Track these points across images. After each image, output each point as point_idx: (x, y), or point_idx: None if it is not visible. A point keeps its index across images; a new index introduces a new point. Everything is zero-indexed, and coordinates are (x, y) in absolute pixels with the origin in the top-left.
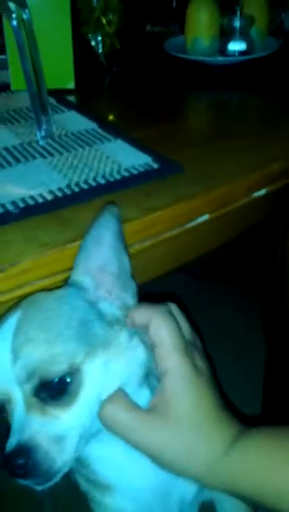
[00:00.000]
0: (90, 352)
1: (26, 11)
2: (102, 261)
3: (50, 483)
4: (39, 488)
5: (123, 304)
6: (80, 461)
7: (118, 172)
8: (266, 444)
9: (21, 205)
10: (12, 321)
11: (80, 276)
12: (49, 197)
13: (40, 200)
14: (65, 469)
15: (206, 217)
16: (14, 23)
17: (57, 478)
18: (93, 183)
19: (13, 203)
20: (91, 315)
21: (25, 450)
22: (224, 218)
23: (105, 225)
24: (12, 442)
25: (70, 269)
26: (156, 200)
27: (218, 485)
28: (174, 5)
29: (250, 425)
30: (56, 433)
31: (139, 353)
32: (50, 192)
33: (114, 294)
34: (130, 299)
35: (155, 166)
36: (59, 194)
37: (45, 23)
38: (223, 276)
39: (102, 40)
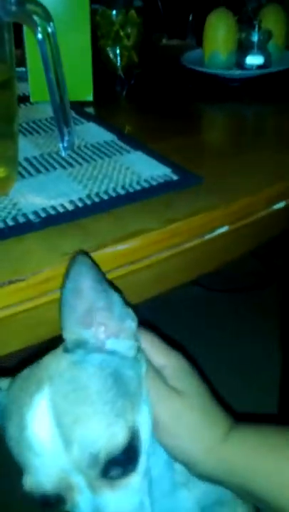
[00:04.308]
0: (134, 400)
1: (51, 24)
2: (87, 305)
3: None
4: None
5: (127, 332)
6: None
7: (138, 183)
8: (259, 434)
9: (43, 214)
10: (42, 401)
11: (72, 333)
12: (70, 207)
13: (61, 210)
14: None
15: (225, 228)
16: (39, 36)
17: None
18: (113, 194)
19: (35, 212)
20: (114, 361)
21: None
22: (243, 230)
23: (80, 274)
24: None
25: None
26: (176, 211)
27: (209, 470)
28: (190, 18)
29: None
30: (133, 502)
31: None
32: (71, 202)
33: (113, 327)
34: (131, 323)
35: (175, 177)
36: (80, 204)
37: (66, 36)
38: (238, 288)
39: (121, 53)
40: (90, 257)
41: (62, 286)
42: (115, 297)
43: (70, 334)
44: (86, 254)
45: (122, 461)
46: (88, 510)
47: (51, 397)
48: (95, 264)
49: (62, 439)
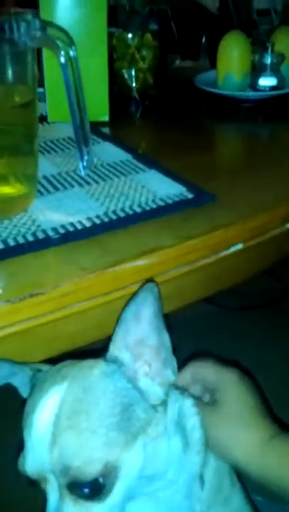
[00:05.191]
0: (129, 440)
1: (73, 48)
2: (141, 335)
3: None
4: None
5: (164, 380)
6: None
7: (153, 201)
8: None
9: (61, 231)
10: (56, 395)
11: (119, 350)
12: (88, 224)
13: (79, 227)
14: None
15: (240, 246)
16: (62, 60)
17: None
18: (130, 211)
19: (54, 229)
20: (134, 397)
21: None
22: (258, 248)
23: (145, 301)
24: None
25: (109, 293)
26: (192, 228)
27: (252, 471)
28: (203, 40)
29: None
30: None
31: (175, 440)
32: (89, 219)
33: (154, 369)
34: (171, 375)
35: (189, 195)
36: (97, 221)
37: (83, 59)
38: (250, 306)
39: (136, 75)
40: (158, 289)
41: (125, 306)
42: (166, 340)
43: (116, 350)
44: (156, 284)
45: (88, 486)
46: (51, 507)
47: (64, 395)
48: (160, 298)
49: (52, 437)
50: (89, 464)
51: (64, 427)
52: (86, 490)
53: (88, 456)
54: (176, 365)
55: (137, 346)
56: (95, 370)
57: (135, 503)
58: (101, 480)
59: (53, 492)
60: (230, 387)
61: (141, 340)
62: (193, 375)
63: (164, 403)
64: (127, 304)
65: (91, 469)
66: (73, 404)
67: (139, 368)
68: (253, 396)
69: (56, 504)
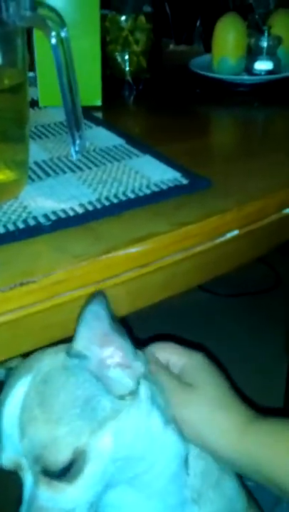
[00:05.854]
0: (95, 428)
1: (64, 29)
2: (106, 330)
3: None
4: None
5: (134, 372)
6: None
7: (147, 187)
8: (281, 423)
9: (53, 217)
10: (21, 388)
11: (83, 346)
12: (80, 210)
13: (72, 214)
14: None
15: (236, 232)
16: (53, 41)
17: None
18: (123, 198)
19: (45, 215)
20: (97, 389)
21: None
22: (254, 234)
23: (100, 306)
24: None
25: (102, 280)
26: (187, 214)
27: (229, 454)
28: (197, 24)
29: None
30: (64, 506)
31: (153, 419)
32: (81, 205)
33: (125, 362)
34: (141, 366)
35: (184, 181)
36: (89, 207)
37: (75, 41)
38: (243, 293)
39: (129, 59)
40: (106, 299)
41: (81, 312)
42: (128, 341)
43: (78, 346)
44: (103, 294)
45: (60, 471)
46: (27, 494)
47: (28, 388)
48: (110, 311)
49: (20, 429)
50: (57, 452)
51: (29, 418)
52: (57, 473)
53: (56, 444)
54: (145, 359)
55: (103, 339)
56: (56, 362)
57: (118, 493)
58: (72, 464)
59: (28, 478)
60: (200, 370)
61: (106, 334)
62: (153, 358)
63: (135, 392)
64: (82, 311)
65: (60, 457)
66: (36, 397)
67: (108, 359)
68: (225, 379)
69: (32, 489)
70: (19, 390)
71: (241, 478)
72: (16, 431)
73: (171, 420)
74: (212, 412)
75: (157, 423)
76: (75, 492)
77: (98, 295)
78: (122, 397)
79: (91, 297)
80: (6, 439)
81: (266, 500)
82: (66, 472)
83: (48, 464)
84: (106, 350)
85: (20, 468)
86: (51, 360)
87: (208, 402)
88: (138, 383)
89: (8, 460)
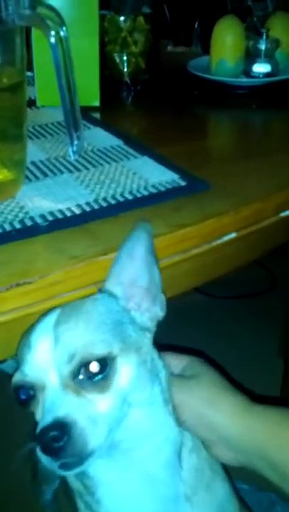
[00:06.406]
0: (124, 349)
1: (64, 28)
2: (134, 274)
3: (79, 469)
4: (66, 472)
5: (153, 315)
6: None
7: (145, 188)
8: (280, 409)
9: (50, 218)
10: (52, 316)
11: (113, 286)
12: (77, 211)
13: (69, 214)
14: (96, 456)
15: (233, 235)
16: (52, 40)
17: (86, 465)
18: (121, 199)
19: (42, 216)
20: (124, 318)
21: (62, 425)
22: (252, 237)
23: (138, 239)
24: (47, 419)
25: (100, 282)
26: (185, 216)
27: (234, 435)
28: (196, 26)
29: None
30: (90, 414)
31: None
32: (78, 206)
33: (144, 307)
34: (159, 311)
35: (182, 183)
36: (87, 208)
37: (74, 41)
38: (239, 295)
39: (128, 60)
40: (151, 226)
41: (121, 245)
42: (156, 276)
43: (109, 286)
44: (149, 222)
45: (93, 373)
46: (51, 403)
47: (59, 314)
48: (152, 235)
49: (54, 340)
50: (93, 347)
51: (65, 329)
52: (92, 372)
53: (92, 342)
54: (164, 302)
55: (130, 287)
56: (86, 299)
57: (110, 471)
58: (107, 363)
59: (52, 389)
60: (200, 366)
61: (134, 279)
62: None
63: (150, 331)
64: (122, 243)
65: (97, 351)
66: (68, 318)
67: (130, 304)
68: (224, 377)
69: (58, 398)
70: (49, 318)
71: (232, 482)
72: (48, 343)
73: (170, 401)
74: (215, 394)
75: (157, 395)
76: (102, 404)
77: (141, 225)
78: (143, 330)
79: (134, 227)
80: (37, 354)
81: (260, 504)
82: (97, 380)
83: (84, 356)
84: (131, 295)
85: (41, 388)
86: (78, 300)
87: (209, 386)
88: (154, 326)
89: (32, 374)
